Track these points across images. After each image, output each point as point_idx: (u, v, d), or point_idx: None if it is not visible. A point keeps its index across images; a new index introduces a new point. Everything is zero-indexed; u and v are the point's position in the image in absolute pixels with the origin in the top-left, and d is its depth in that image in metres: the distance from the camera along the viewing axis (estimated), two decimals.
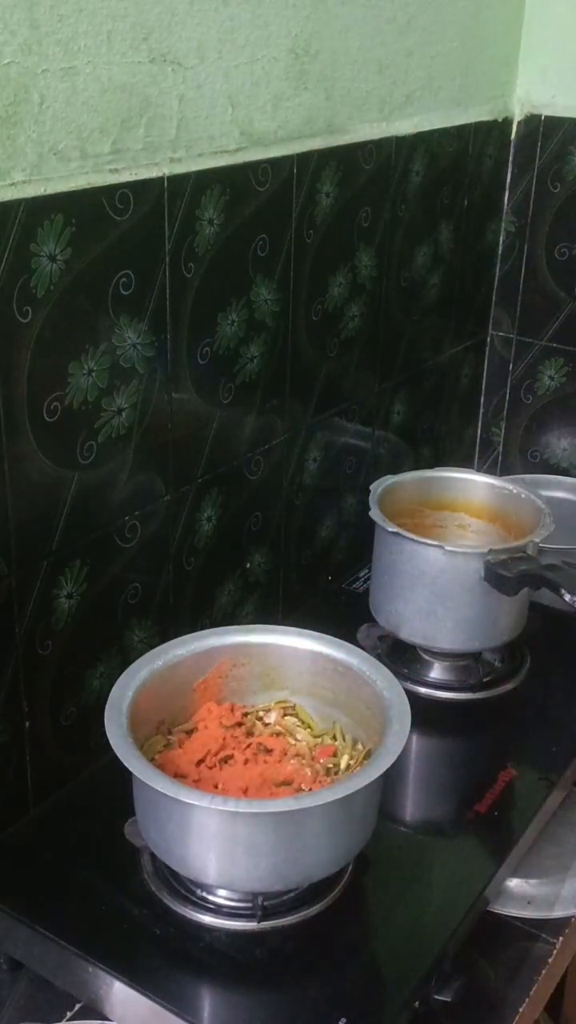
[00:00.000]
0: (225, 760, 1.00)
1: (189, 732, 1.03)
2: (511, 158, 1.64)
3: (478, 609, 1.23)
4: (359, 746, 1.01)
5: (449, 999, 0.89)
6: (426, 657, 1.30)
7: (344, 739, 1.03)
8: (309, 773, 0.99)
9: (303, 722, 1.06)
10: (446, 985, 0.90)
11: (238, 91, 1.09)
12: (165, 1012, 0.86)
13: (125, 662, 1.04)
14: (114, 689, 0.96)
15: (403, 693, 0.97)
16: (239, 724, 1.05)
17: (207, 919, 0.93)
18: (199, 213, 1.07)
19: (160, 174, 1.02)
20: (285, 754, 1.02)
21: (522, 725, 1.23)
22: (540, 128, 1.61)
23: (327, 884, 0.96)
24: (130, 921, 0.94)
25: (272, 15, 1.10)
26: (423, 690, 1.26)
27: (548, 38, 1.58)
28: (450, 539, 1.35)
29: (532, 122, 1.61)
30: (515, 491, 1.36)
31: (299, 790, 0.97)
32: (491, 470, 1.82)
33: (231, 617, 1.31)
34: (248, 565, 1.32)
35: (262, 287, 1.19)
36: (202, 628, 1.09)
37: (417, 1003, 0.88)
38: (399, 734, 0.92)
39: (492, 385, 1.79)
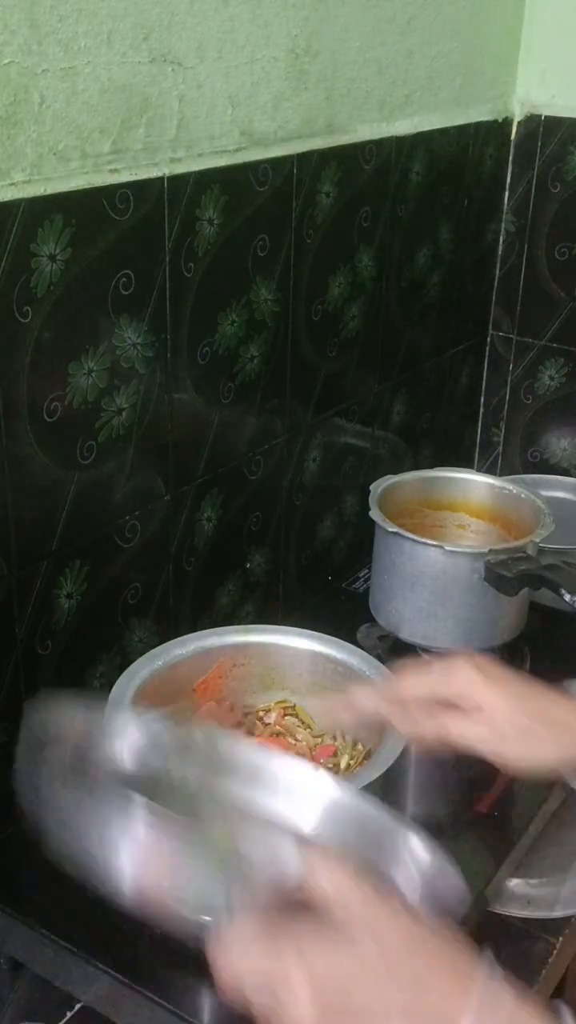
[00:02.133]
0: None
1: None
2: (511, 158, 1.64)
3: (478, 609, 1.23)
4: (359, 746, 1.01)
5: None
6: (426, 657, 1.30)
7: (344, 739, 1.03)
8: None
9: (303, 722, 1.06)
10: None
11: (238, 91, 1.09)
12: (165, 1012, 0.86)
13: (125, 662, 1.04)
14: (114, 689, 0.96)
15: None
16: (239, 724, 1.05)
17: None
18: (199, 213, 1.07)
19: (160, 174, 1.02)
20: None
21: None
22: (540, 128, 1.60)
23: None
24: (130, 921, 0.93)
25: (272, 15, 1.10)
26: None
27: (548, 38, 1.57)
28: (450, 539, 1.35)
29: (532, 122, 1.61)
30: (515, 491, 1.36)
31: None
32: (491, 470, 1.82)
33: (231, 617, 1.30)
34: (248, 565, 1.32)
35: (262, 287, 1.19)
36: (202, 628, 1.09)
37: None
38: (399, 734, 0.92)
39: (492, 385, 1.79)
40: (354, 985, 0.55)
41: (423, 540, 1.23)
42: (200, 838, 0.59)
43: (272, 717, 1.06)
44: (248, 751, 0.72)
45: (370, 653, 1.05)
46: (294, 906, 0.58)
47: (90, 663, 1.11)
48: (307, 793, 0.68)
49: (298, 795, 0.69)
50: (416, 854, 0.65)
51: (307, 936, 0.57)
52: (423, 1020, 0.55)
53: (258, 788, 0.68)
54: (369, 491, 1.31)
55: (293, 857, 0.58)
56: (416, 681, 0.82)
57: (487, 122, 1.56)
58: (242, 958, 0.57)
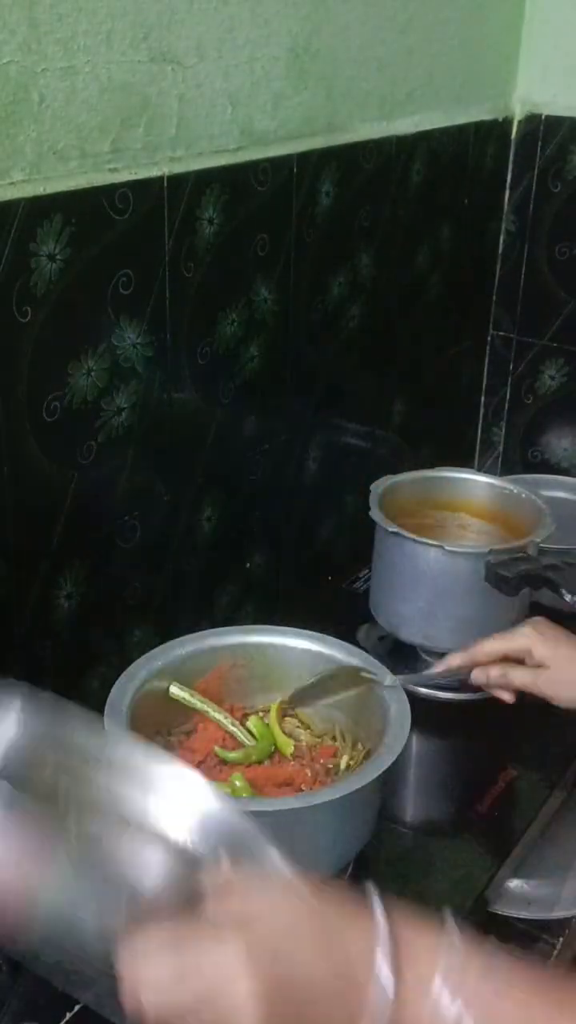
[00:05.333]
0: (225, 761, 1.00)
1: (189, 733, 1.02)
2: (511, 157, 1.64)
3: (478, 609, 1.23)
4: (359, 746, 1.01)
5: None
6: (426, 657, 1.30)
7: (344, 739, 1.03)
8: (309, 773, 0.98)
9: (303, 723, 1.06)
10: None
11: (238, 90, 1.09)
12: None
13: (125, 662, 1.04)
14: (114, 690, 0.95)
15: (403, 693, 0.97)
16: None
17: None
18: (199, 212, 1.07)
19: (160, 173, 1.01)
20: (285, 755, 1.01)
21: (523, 725, 1.23)
22: (540, 127, 1.60)
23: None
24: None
25: (272, 14, 1.10)
26: (423, 690, 1.26)
27: (549, 37, 1.57)
28: (450, 539, 1.34)
29: (532, 121, 1.61)
30: (515, 491, 1.35)
31: (299, 790, 0.96)
32: (491, 470, 1.82)
33: (231, 618, 1.30)
34: (248, 565, 1.32)
35: (262, 287, 1.19)
36: (202, 628, 1.09)
37: None
38: (399, 734, 0.92)
39: (492, 385, 1.79)
40: (289, 957, 0.53)
41: (423, 540, 1.22)
42: (60, 829, 0.56)
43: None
44: (129, 749, 0.68)
45: (370, 653, 1.05)
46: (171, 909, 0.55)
47: (90, 663, 1.10)
48: (182, 799, 0.65)
49: (173, 799, 0.65)
50: (281, 871, 0.64)
51: (211, 934, 0.53)
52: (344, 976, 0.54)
53: (131, 786, 0.65)
54: (369, 491, 1.31)
55: (158, 864, 0.56)
56: (490, 644, 1.06)
57: (488, 121, 1.56)
58: (155, 967, 0.52)
